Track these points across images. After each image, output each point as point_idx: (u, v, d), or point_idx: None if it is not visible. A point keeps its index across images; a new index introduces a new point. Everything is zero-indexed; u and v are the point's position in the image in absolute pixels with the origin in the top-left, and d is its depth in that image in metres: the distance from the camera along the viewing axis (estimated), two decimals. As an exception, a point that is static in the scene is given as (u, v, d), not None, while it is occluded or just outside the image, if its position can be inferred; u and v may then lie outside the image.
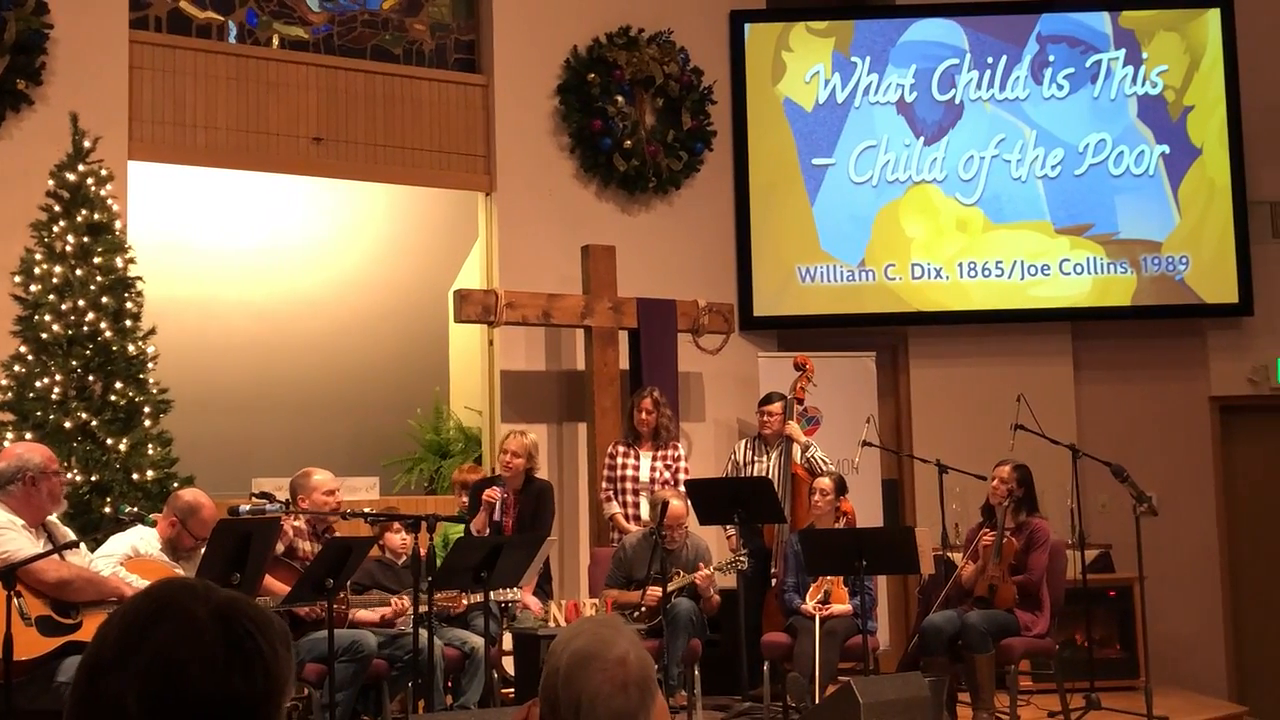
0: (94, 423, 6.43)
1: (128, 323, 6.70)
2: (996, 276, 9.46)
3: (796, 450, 7.69)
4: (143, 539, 5.44)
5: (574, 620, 6.07)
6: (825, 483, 7.13)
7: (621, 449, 7.73)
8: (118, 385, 6.55)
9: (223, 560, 4.98)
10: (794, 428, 7.75)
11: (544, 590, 7.01)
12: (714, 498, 6.88)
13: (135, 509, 5.85)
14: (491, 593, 5.99)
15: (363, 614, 6.23)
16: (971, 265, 9.46)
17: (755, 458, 7.76)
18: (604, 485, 7.74)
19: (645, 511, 7.46)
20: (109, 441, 6.44)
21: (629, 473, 7.63)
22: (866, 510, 8.01)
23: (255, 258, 10.04)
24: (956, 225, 9.49)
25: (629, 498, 7.60)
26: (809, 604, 6.84)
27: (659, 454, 7.63)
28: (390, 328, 10.31)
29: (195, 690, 1.27)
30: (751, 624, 7.11)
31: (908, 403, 9.52)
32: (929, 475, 8.02)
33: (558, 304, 8.22)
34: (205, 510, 5.47)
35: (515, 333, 8.48)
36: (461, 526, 7.05)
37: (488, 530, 6.81)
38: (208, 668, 1.27)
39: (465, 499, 7.24)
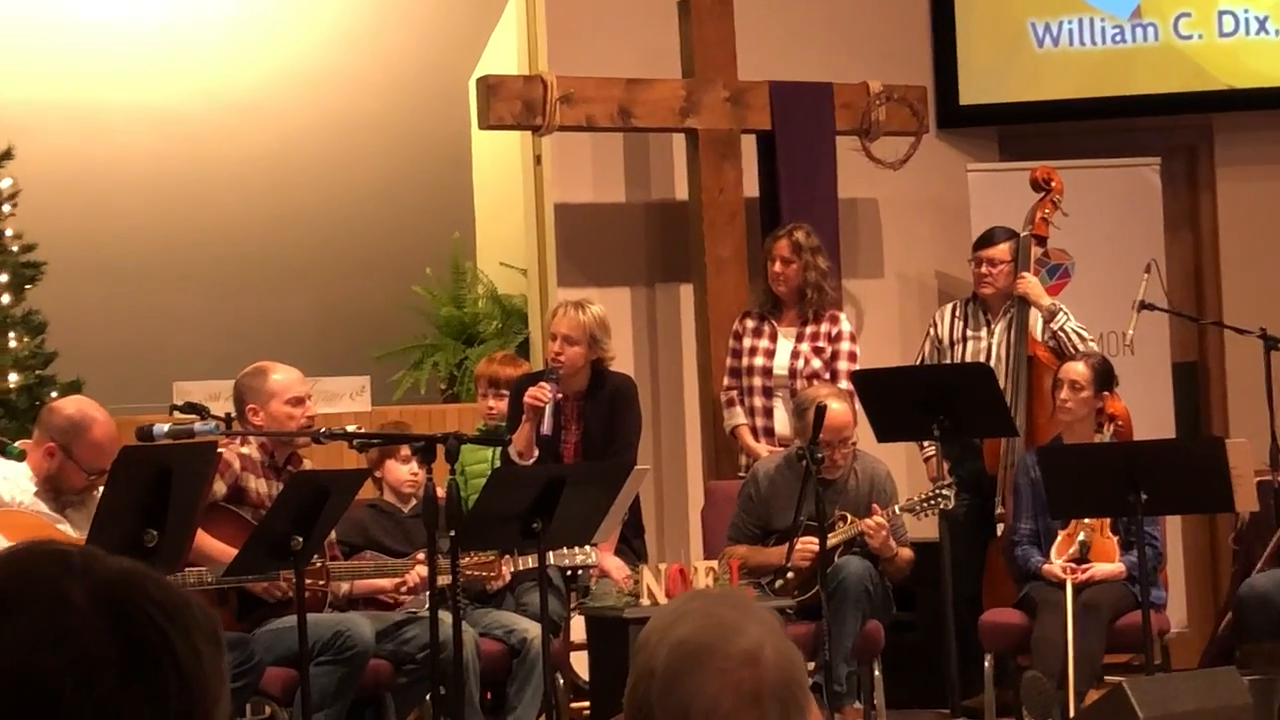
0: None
1: (-33, 143, 6.78)
2: (1361, 27, 9.19)
3: (1035, 319, 7.63)
4: (6, 479, 5.54)
5: (679, 595, 6.12)
6: (1080, 370, 7.06)
7: (750, 324, 7.73)
8: (-43, 241, 6.66)
9: (131, 510, 5.06)
10: (1031, 283, 7.68)
11: (632, 549, 7.07)
12: (900, 398, 6.86)
13: (-8, 434, 5.98)
14: (551, 554, 6.03)
15: (348, 588, 6.33)
16: (1319, 10, 9.20)
17: (969, 332, 7.74)
18: (727, 380, 7.76)
19: (781, 422, 7.46)
20: (-52, 330, 6.59)
21: (758, 360, 7.63)
22: (1147, 412, 7.92)
23: (159, 38, 10.06)
24: (1294, -57, 9.21)
25: (757, 400, 7.62)
26: (1056, 563, 6.82)
27: (808, 330, 7.62)
28: (378, 143, 10.32)
29: (73, 715, 1.27)
30: (965, 595, 7.12)
31: (1213, 238, 9.36)
32: (1249, 354, 7.85)
33: (642, 95, 8.16)
34: (98, 428, 5.55)
35: (576, 144, 8.44)
36: (486, 457, 7.10)
37: (535, 454, 6.86)
38: (91, 682, 1.27)
39: (491, 404, 7.28)
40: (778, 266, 7.63)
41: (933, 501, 6.73)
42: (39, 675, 1.27)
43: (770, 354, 7.64)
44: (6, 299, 6.76)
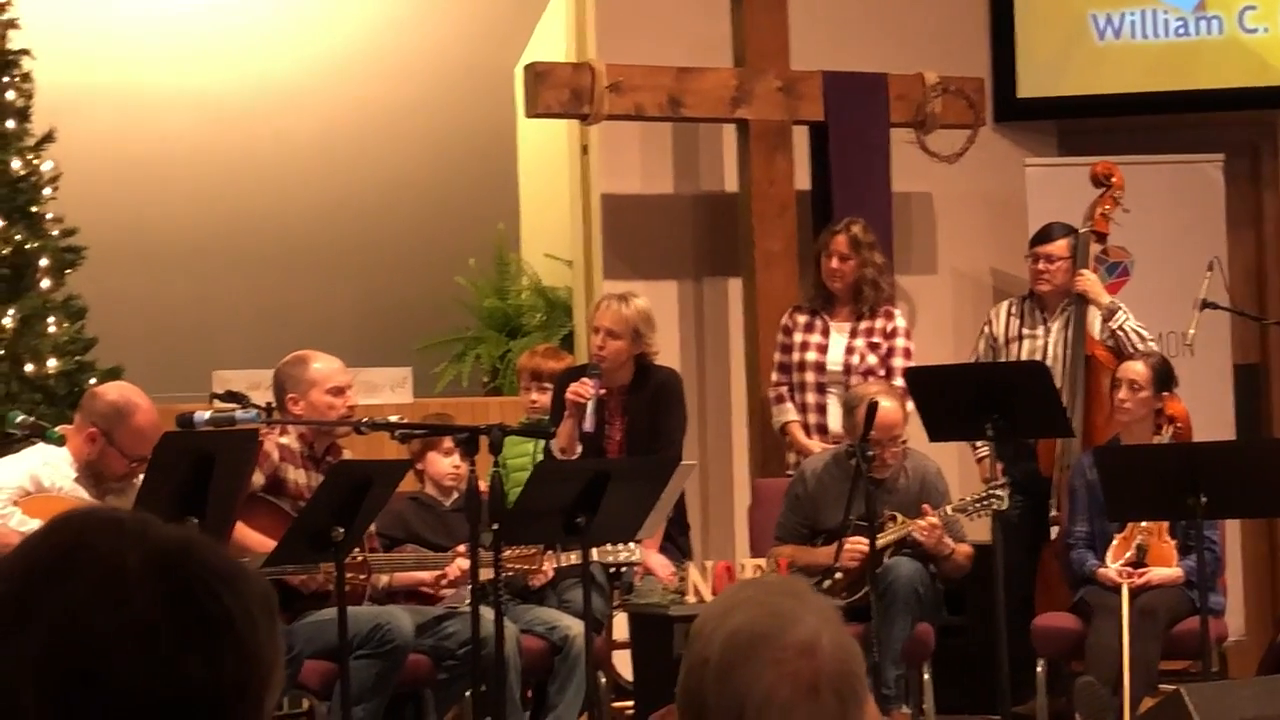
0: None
1: (10, 124, 6.81)
2: None
3: (1093, 318, 7.61)
4: (47, 464, 5.60)
5: (733, 583, 6.13)
6: (1139, 369, 7.04)
7: (801, 319, 7.72)
8: (-3, 224, 6.70)
9: (171, 496, 5.10)
10: (1090, 280, 7.65)
11: (677, 546, 7.07)
12: (953, 396, 6.82)
13: (31, 418, 6.00)
14: (594, 550, 6.03)
15: (388, 580, 6.35)
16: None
17: (1025, 331, 7.71)
18: (775, 375, 7.76)
19: (835, 419, 7.45)
20: (-13, 313, 6.62)
21: (811, 356, 7.62)
22: (1207, 414, 7.89)
23: (203, 22, 10.11)
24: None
25: (810, 397, 7.61)
26: (1112, 567, 6.80)
27: (862, 326, 7.61)
28: (422, 130, 10.33)
29: (126, 680, 1.28)
30: (1017, 599, 7.09)
31: (1277, 237, 9.33)
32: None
33: (693, 84, 8.15)
34: (141, 414, 5.59)
35: (625, 133, 8.44)
36: (527, 451, 7.11)
37: (578, 451, 6.86)
38: (144, 647, 1.29)
39: (534, 398, 7.29)
40: (835, 262, 7.60)
41: (985, 502, 6.70)
42: (93, 639, 1.28)
43: (823, 349, 7.62)
44: (47, 283, 6.80)
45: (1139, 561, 6.80)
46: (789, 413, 7.66)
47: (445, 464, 6.75)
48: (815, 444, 7.48)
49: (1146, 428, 7.02)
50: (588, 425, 6.80)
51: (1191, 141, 9.01)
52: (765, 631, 2.07)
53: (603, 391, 6.90)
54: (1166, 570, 6.80)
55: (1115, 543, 6.90)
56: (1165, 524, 6.83)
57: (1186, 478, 6.19)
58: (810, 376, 7.62)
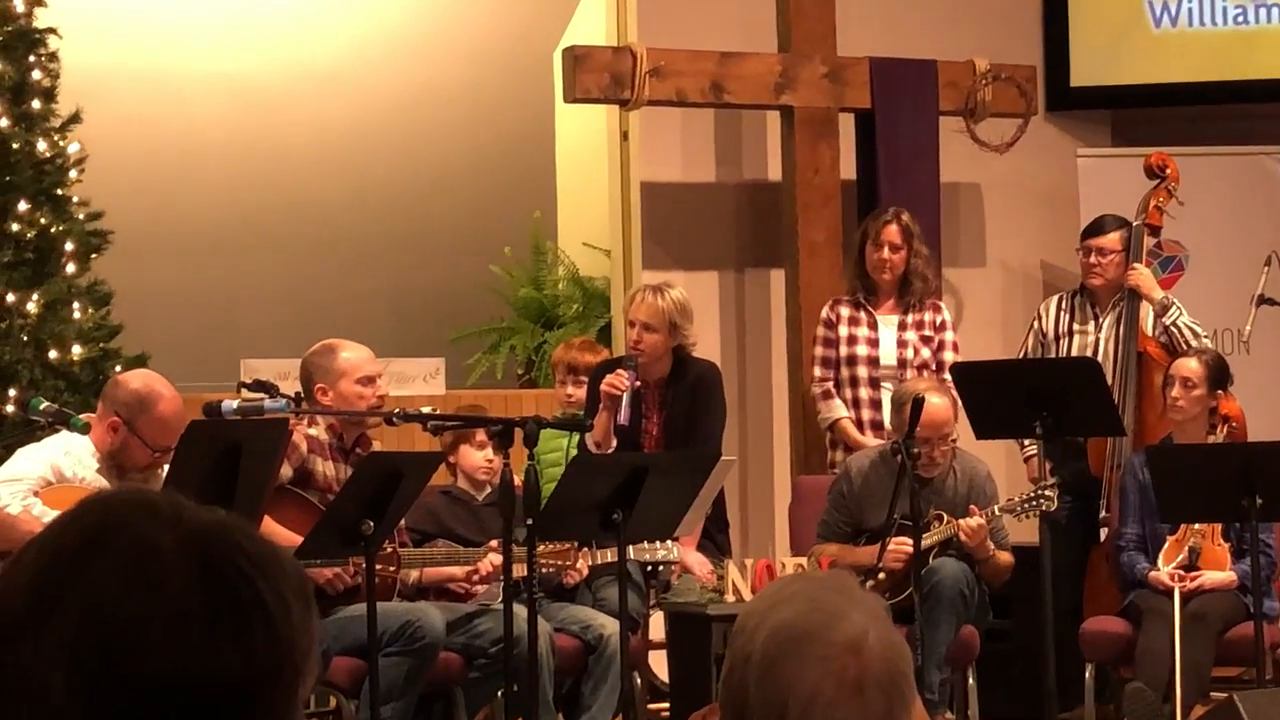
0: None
1: (35, 104, 6.83)
2: None
3: (1146, 313, 7.58)
4: (68, 453, 5.59)
5: (779, 578, 6.11)
6: (1192, 367, 7.00)
7: (846, 311, 7.70)
8: (21, 206, 6.71)
9: (197, 487, 5.09)
10: (1143, 275, 7.62)
11: (715, 544, 7.07)
12: (1000, 393, 6.82)
13: (54, 405, 6.02)
14: (631, 547, 6.03)
15: (418, 575, 6.36)
16: None
17: (1076, 326, 7.69)
18: (818, 371, 7.74)
19: (890, 414, 7.44)
20: (10, 298, 6.62)
21: (860, 349, 7.62)
22: (1263, 414, 7.83)
23: (235, 3, 10.16)
24: None
25: (862, 391, 7.60)
26: (1164, 570, 6.77)
27: (911, 319, 7.60)
28: (458, 116, 10.35)
29: (158, 666, 1.27)
30: (1065, 602, 7.07)
31: (1338, 232, 9.27)
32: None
33: (736, 69, 8.15)
34: (164, 404, 5.58)
35: (665, 119, 8.45)
36: (561, 445, 7.11)
37: (613, 445, 6.86)
38: (177, 630, 1.28)
39: (570, 391, 7.29)
40: (885, 253, 7.59)
41: (1034, 502, 6.68)
42: (126, 622, 1.27)
43: (874, 343, 7.61)
44: (72, 268, 6.83)
45: (1191, 565, 6.78)
46: (839, 409, 7.64)
47: (478, 457, 6.75)
48: (869, 439, 7.46)
49: (1200, 427, 6.98)
50: (622, 418, 6.79)
51: (1249, 132, 8.98)
52: (811, 628, 2.06)
53: (638, 384, 6.90)
54: (1219, 574, 6.77)
55: (1167, 545, 6.87)
56: (1219, 526, 6.81)
57: (1241, 479, 6.19)
58: (863, 371, 7.61)
